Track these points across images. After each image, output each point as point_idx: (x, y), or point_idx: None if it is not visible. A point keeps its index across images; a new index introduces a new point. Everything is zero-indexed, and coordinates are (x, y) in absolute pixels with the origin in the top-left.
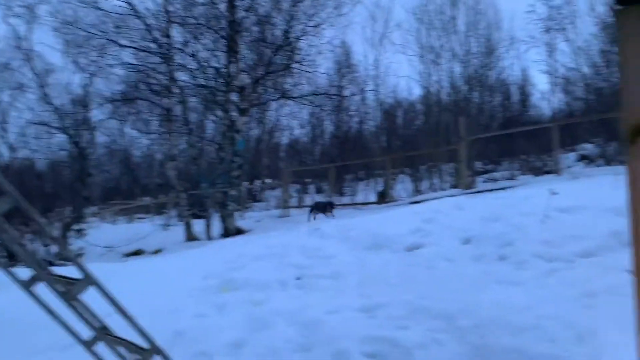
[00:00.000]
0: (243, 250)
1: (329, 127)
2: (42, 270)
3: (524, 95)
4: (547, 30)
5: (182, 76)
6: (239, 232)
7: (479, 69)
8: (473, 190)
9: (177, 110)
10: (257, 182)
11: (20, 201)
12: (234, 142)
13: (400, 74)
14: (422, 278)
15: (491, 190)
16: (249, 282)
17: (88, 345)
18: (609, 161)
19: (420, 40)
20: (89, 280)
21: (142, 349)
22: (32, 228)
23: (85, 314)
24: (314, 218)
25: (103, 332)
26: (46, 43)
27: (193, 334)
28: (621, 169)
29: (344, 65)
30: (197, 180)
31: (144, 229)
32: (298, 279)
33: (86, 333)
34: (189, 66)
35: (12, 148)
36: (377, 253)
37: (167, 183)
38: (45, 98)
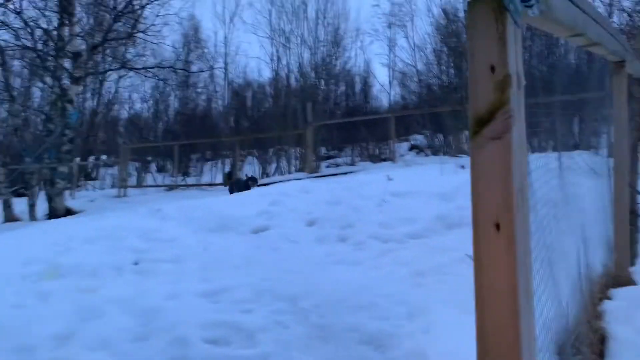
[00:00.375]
0: (72, 233)
1: (173, 103)
2: None
3: (366, 87)
4: (389, 25)
5: (3, 35)
6: (69, 212)
7: (326, 57)
8: (318, 174)
9: None
10: (92, 159)
11: None
12: (65, 114)
13: (251, 54)
14: (267, 260)
15: (334, 174)
16: (78, 268)
17: None
18: (435, 151)
19: (271, 23)
20: None
21: None
22: None
23: None
24: None
25: None
26: None
27: (11, 326)
28: (446, 158)
29: (192, 39)
30: (19, 153)
31: None
32: (136, 263)
33: None
34: (13, 25)
35: None
36: (222, 235)
37: None
38: None
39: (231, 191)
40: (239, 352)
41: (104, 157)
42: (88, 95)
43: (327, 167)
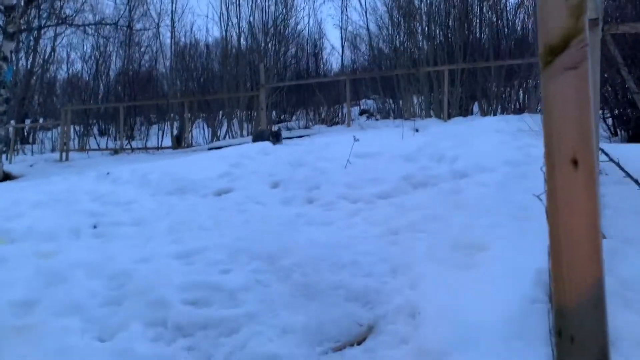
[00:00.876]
0: (18, 197)
1: (116, 63)
2: None
3: (317, 49)
4: None
5: None
6: (7, 177)
7: (277, 18)
8: None
9: None
10: (27, 122)
11: None
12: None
13: (198, 12)
14: (236, 221)
15: (289, 137)
16: (31, 232)
17: None
18: (386, 115)
19: None
20: None
21: None
22: None
23: None
24: None
25: None
26: None
27: None
28: (399, 122)
29: None
30: None
31: None
32: (95, 227)
33: None
34: None
35: None
36: (182, 198)
37: None
38: None
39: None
40: (222, 312)
41: (41, 120)
42: (22, 55)
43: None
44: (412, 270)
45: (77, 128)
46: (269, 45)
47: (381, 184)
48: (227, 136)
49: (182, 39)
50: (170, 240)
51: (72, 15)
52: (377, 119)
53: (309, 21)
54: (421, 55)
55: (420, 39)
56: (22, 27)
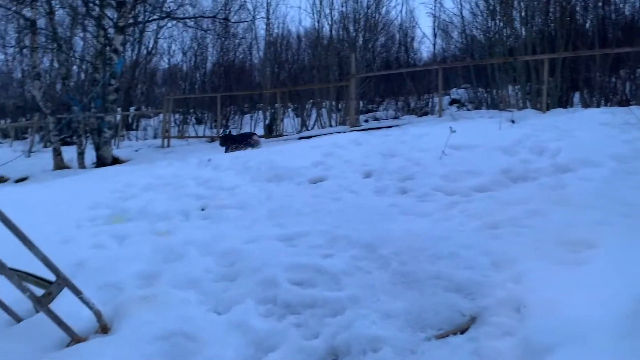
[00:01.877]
0: (129, 180)
1: (212, 54)
2: None
3: (407, 38)
4: None
5: None
6: (116, 161)
7: (367, 8)
8: (360, 127)
9: (43, 22)
10: (132, 110)
11: None
12: (110, 63)
13: (292, 4)
14: (332, 209)
15: (379, 128)
16: (145, 213)
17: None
18: (477, 106)
19: None
20: None
21: (47, 282)
22: None
23: None
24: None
25: (1, 266)
26: None
27: (95, 265)
28: (494, 112)
29: None
30: (66, 103)
31: (3, 155)
32: (202, 209)
33: None
34: None
35: None
36: (280, 185)
37: (30, 105)
38: None
39: (223, 145)
40: (327, 294)
41: (143, 108)
42: (128, 46)
43: (366, 121)
44: (515, 265)
45: (176, 116)
46: (359, 34)
47: (478, 177)
48: (315, 126)
49: (275, 30)
50: (273, 224)
51: (174, 10)
52: (468, 109)
53: (400, 10)
54: (518, 43)
55: (518, 26)
56: (131, 21)
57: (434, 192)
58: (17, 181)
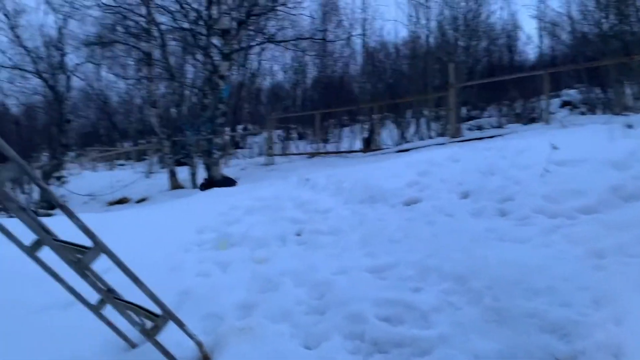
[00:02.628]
0: (234, 202)
1: (312, 71)
2: (48, 236)
3: (511, 40)
4: None
5: (161, 18)
6: (225, 180)
7: (467, 13)
8: (461, 138)
9: (157, 54)
10: (240, 128)
11: (25, 167)
12: (217, 89)
13: (387, 17)
14: (425, 234)
15: (480, 138)
16: (247, 238)
17: (96, 308)
18: (592, 108)
19: None
20: (99, 248)
21: (154, 314)
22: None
23: (91, 277)
24: None
25: (110, 296)
26: None
27: (200, 293)
28: (608, 117)
29: (330, 6)
30: (179, 127)
31: (125, 177)
32: (298, 234)
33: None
34: (170, 8)
35: None
36: (373, 207)
37: (148, 129)
38: (17, 40)
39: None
40: (415, 332)
41: (249, 126)
42: (235, 69)
43: (469, 129)
44: (617, 302)
45: (279, 132)
46: (459, 41)
47: (584, 197)
48: (415, 137)
49: (371, 44)
50: (363, 253)
51: (275, 34)
52: (582, 113)
53: (501, 14)
54: (634, 40)
55: (634, 21)
56: (235, 48)
57: (535, 215)
58: (138, 202)
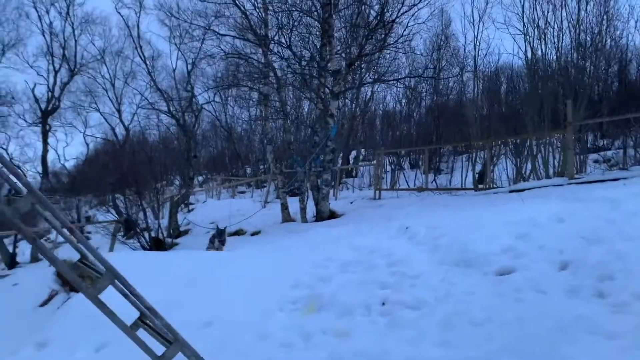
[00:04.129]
0: (331, 252)
1: (425, 99)
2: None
3: None
4: None
5: (277, 62)
6: (333, 215)
7: (593, 35)
8: (580, 180)
9: (274, 95)
10: (353, 154)
11: (41, 198)
12: (327, 127)
13: (502, 50)
14: (509, 317)
15: (602, 180)
16: (334, 302)
17: (130, 330)
18: None
19: (524, 15)
20: (111, 275)
21: (169, 341)
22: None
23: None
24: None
25: (142, 320)
26: (153, 32)
27: None
28: None
29: (442, 42)
30: (292, 163)
31: (245, 205)
32: (383, 304)
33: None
34: (284, 53)
35: (126, 128)
36: (465, 273)
37: (265, 161)
38: (153, 83)
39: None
40: None
41: (362, 151)
42: (347, 100)
43: (595, 162)
44: None
45: (391, 162)
46: (584, 64)
47: None
48: (532, 175)
49: (487, 74)
50: (439, 341)
51: (385, 72)
52: None
53: (633, 37)
54: None
55: None
56: (346, 87)
57: (634, 302)
58: (252, 234)
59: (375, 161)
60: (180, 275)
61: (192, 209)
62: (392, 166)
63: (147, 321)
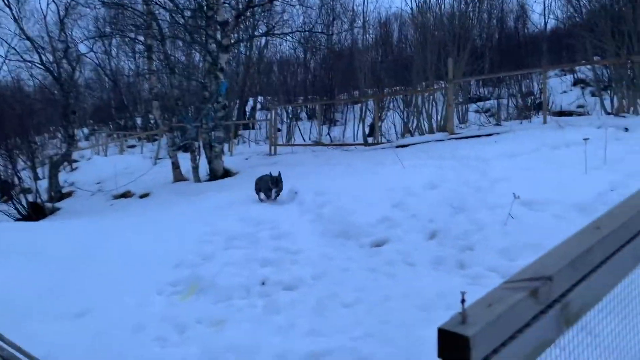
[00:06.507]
0: (219, 225)
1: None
2: None
3: (522, 12)
4: None
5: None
6: (227, 173)
7: None
8: (458, 135)
9: (158, 47)
10: (250, 103)
11: None
12: (217, 82)
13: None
14: (377, 297)
15: (478, 136)
16: (214, 284)
17: None
18: (606, 87)
19: None
20: None
21: None
22: None
23: None
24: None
25: None
26: None
27: None
28: (606, 119)
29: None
30: (181, 120)
31: (134, 163)
32: (263, 284)
33: None
34: (167, 4)
35: None
36: (344, 246)
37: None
38: (21, 30)
39: (258, 192)
40: None
41: (260, 98)
42: (242, 48)
43: (476, 112)
44: None
45: (289, 109)
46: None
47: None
48: (416, 130)
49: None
50: (308, 330)
51: (274, 26)
52: (593, 95)
53: None
54: None
55: None
56: (235, 40)
57: (488, 273)
58: (141, 196)
59: (269, 116)
60: (56, 256)
61: (76, 168)
62: (289, 117)
63: None
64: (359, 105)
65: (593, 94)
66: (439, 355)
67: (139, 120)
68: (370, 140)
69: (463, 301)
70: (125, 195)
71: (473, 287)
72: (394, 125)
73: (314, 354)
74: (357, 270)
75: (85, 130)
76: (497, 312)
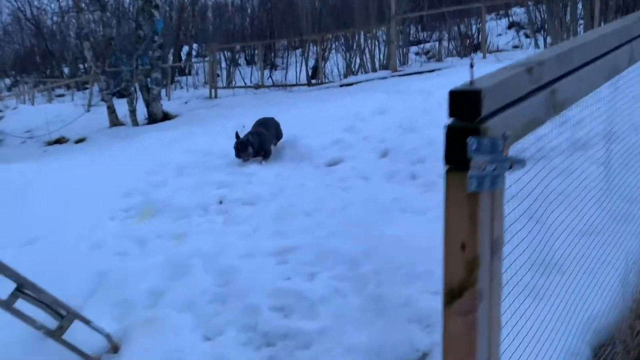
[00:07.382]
0: (165, 157)
1: None
2: None
3: None
4: None
5: None
6: (166, 117)
7: None
8: (401, 72)
9: None
10: (185, 49)
11: None
12: (152, 20)
13: None
14: (335, 206)
15: (420, 72)
16: (170, 205)
17: (7, 304)
18: (539, 29)
19: None
20: None
21: (60, 315)
22: None
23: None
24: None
25: (21, 291)
26: None
27: (115, 277)
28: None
29: None
30: (115, 62)
31: (65, 111)
32: (220, 202)
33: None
34: None
35: None
36: (298, 167)
37: (85, 58)
38: None
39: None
40: (301, 323)
41: (195, 46)
42: None
43: (417, 54)
44: None
45: (226, 56)
46: None
47: None
48: (360, 70)
49: None
50: (273, 232)
51: None
52: (526, 35)
53: None
54: None
55: None
56: None
57: (439, 180)
58: (76, 142)
59: (208, 58)
60: None
61: (2, 117)
62: (227, 62)
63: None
64: (301, 50)
65: (527, 36)
66: (451, 116)
67: (66, 70)
68: (314, 81)
69: (472, 66)
70: (60, 141)
71: (427, 193)
72: (337, 66)
73: (281, 249)
74: (314, 186)
75: (7, 81)
76: (500, 79)
